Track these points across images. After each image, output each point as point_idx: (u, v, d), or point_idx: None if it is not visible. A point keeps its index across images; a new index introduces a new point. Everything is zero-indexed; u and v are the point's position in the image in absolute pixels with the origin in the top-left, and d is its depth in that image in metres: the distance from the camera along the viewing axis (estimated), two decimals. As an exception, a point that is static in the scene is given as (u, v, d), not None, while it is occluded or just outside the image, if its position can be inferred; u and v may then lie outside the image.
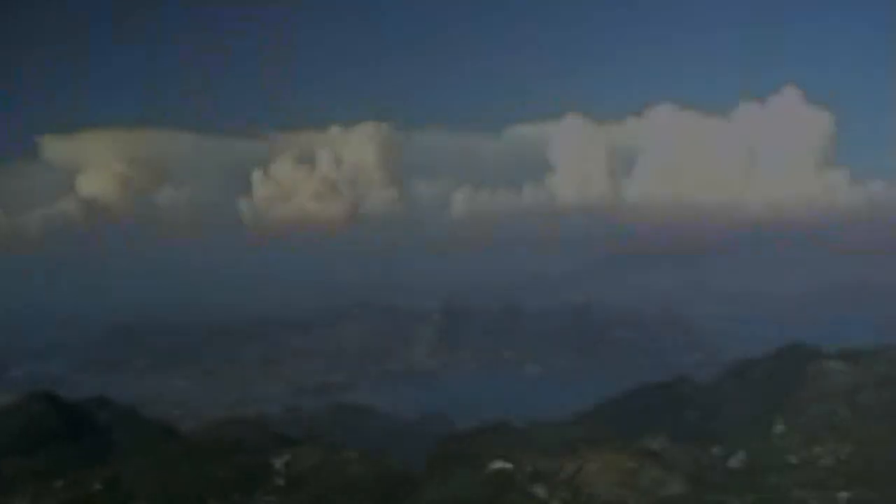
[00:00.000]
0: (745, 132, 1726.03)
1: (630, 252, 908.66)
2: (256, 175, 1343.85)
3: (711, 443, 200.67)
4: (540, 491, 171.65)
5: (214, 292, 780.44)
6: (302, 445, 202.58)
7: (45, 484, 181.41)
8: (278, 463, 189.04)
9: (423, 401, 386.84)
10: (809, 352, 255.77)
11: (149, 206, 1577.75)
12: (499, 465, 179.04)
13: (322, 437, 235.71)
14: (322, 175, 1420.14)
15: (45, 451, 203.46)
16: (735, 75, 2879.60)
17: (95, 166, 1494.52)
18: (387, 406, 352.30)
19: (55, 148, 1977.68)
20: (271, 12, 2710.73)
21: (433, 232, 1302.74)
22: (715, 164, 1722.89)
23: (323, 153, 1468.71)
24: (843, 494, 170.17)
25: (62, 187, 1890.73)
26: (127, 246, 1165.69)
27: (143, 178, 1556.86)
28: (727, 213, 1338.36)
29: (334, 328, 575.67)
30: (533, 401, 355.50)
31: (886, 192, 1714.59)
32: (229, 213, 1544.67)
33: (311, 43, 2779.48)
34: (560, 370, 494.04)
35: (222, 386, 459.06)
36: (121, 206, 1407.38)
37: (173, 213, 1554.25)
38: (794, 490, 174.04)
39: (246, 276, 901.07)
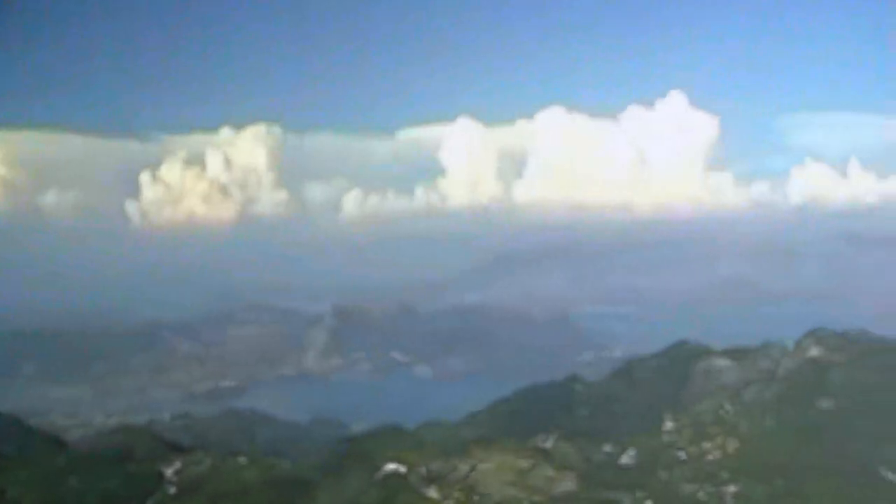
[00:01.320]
0: (633, 135, 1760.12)
1: (520, 253, 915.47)
2: (145, 177, 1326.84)
3: (602, 440, 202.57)
4: (433, 492, 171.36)
5: (102, 297, 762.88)
6: (193, 452, 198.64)
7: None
8: (169, 471, 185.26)
9: (316, 404, 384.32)
10: (697, 349, 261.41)
11: (33, 209, 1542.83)
12: (392, 467, 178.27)
13: (214, 443, 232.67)
14: (212, 177, 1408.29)
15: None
16: (623, 79, 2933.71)
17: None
18: (279, 410, 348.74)
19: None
20: (159, 13, 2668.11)
21: (325, 234, 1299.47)
22: (604, 166, 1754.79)
23: (213, 155, 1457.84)
24: (731, 488, 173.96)
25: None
26: (10, 250, 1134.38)
27: (26, 181, 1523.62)
28: (616, 213, 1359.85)
29: (225, 332, 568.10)
30: (425, 402, 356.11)
31: (769, 194, 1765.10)
32: (117, 216, 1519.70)
33: (201, 45, 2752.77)
34: (452, 371, 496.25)
35: (111, 393, 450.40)
36: (2, 209, 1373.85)
37: (59, 216, 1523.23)
38: (683, 485, 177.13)
39: (135, 281, 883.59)
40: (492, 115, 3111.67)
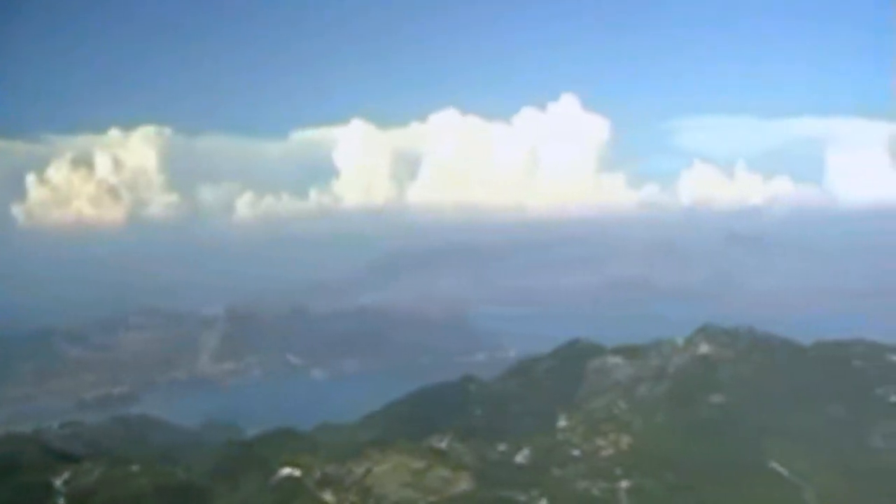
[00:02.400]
0: (526, 137, 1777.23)
1: (415, 254, 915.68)
2: (31, 179, 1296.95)
3: (498, 440, 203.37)
4: (329, 496, 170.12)
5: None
6: (83, 461, 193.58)
7: None
8: (58, 481, 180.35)
9: (210, 409, 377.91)
10: (589, 348, 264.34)
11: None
12: (287, 471, 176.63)
13: (105, 451, 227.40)
14: (100, 179, 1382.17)
15: None
16: (516, 82, 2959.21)
17: None
18: (172, 416, 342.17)
19: None
20: (46, 13, 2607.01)
21: (217, 237, 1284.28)
22: (497, 167, 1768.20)
23: (101, 157, 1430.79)
24: (624, 483, 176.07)
25: None
26: None
27: None
28: (509, 214, 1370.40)
29: (115, 337, 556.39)
30: (321, 405, 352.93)
31: (659, 195, 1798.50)
32: (2, 218, 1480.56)
33: (89, 45, 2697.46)
34: (347, 373, 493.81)
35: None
36: None
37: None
38: (577, 482, 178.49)
39: (20, 285, 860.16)
40: (385, 117, 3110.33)
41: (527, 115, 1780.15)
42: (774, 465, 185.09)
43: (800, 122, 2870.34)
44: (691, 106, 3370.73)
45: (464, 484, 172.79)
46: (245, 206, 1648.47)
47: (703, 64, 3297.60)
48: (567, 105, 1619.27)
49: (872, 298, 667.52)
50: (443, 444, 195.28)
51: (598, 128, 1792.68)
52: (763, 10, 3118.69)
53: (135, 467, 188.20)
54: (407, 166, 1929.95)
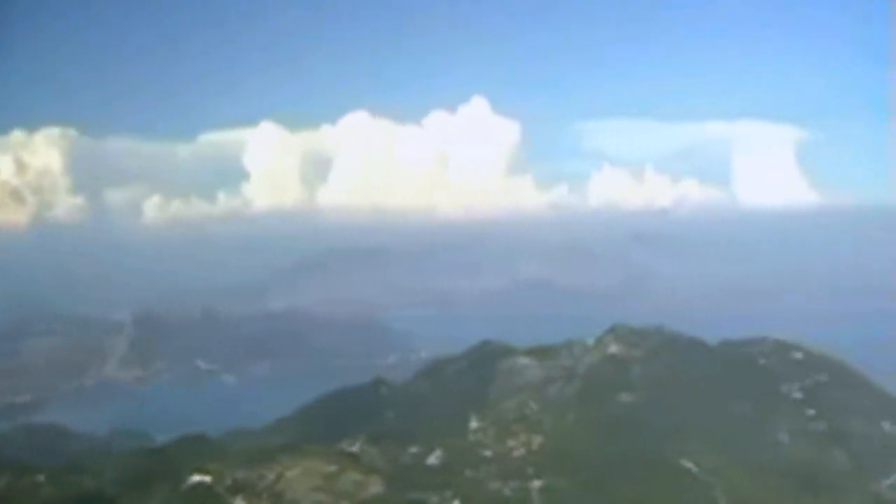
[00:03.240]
0: (436, 140, 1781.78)
1: (326, 257, 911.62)
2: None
3: (409, 442, 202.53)
4: (240, 502, 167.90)
5: None
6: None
7: None
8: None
9: (118, 416, 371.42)
10: (500, 349, 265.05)
11: None
12: (197, 478, 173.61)
13: (9, 461, 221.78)
14: (3, 181, 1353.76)
15: None
16: (427, 85, 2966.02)
17: None
18: (79, 424, 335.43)
19: None
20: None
21: (125, 240, 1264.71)
22: (407, 169, 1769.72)
23: (4, 159, 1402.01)
24: (536, 483, 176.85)
25: None
26: None
27: None
28: (420, 216, 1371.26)
29: (19, 343, 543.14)
30: (231, 410, 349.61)
31: (568, 197, 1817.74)
32: None
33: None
34: (258, 378, 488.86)
35: None
36: None
37: None
38: (489, 482, 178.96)
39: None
40: (295, 120, 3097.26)
41: (437, 117, 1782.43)
42: (684, 462, 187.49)
43: (707, 125, 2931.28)
44: (601, 109, 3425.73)
45: (375, 487, 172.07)
46: (153, 208, 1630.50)
47: (613, 68, 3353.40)
48: (477, 107, 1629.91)
49: (776, 297, 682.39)
50: (354, 448, 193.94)
51: (507, 130, 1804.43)
52: (671, 16, 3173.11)
53: (41, 477, 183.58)
54: (317, 169, 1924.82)
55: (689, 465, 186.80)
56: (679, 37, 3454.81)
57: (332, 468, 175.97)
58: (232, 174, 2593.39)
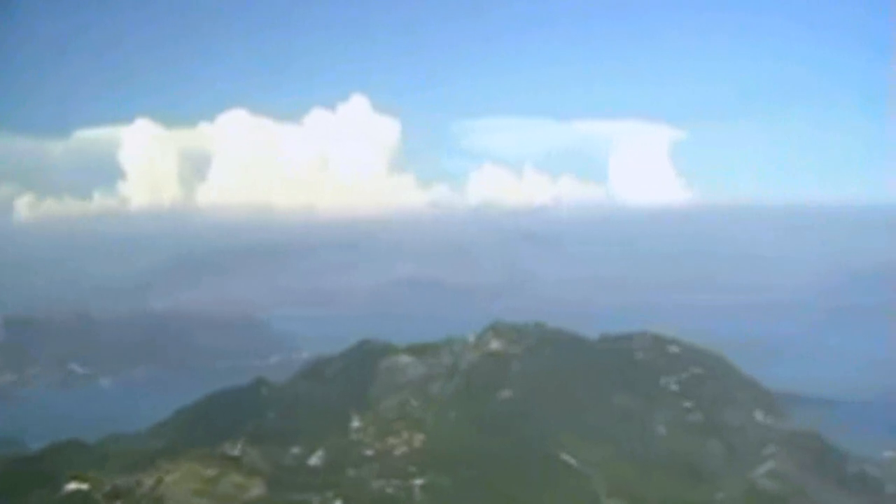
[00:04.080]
0: (316, 138, 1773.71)
1: (205, 256, 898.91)
2: None
3: (291, 443, 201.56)
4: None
5: None
6: None
7: None
8: None
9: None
10: (381, 347, 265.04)
11: None
12: (74, 485, 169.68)
13: None
14: None
15: None
16: (306, 83, 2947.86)
17: None
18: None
19: None
20: None
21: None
22: (288, 168, 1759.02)
23: None
24: (418, 481, 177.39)
25: None
26: None
27: None
28: (301, 215, 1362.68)
29: None
30: (109, 415, 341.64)
31: (449, 195, 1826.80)
32: None
33: None
34: (136, 381, 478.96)
35: None
36: None
37: None
38: (372, 481, 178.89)
39: None
40: (172, 118, 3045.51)
41: (317, 115, 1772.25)
42: (565, 456, 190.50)
43: (585, 124, 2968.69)
44: (481, 108, 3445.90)
45: (257, 490, 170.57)
46: (25, 207, 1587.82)
47: (493, 66, 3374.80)
48: (357, 106, 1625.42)
49: (654, 292, 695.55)
50: (235, 450, 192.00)
51: (387, 129, 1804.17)
52: (551, 14, 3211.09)
53: None
54: (196, 167, 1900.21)
55: (569, 458, 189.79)
56: (559, 36, 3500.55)
57: (213, 472, 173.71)
58: (107, 172, 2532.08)
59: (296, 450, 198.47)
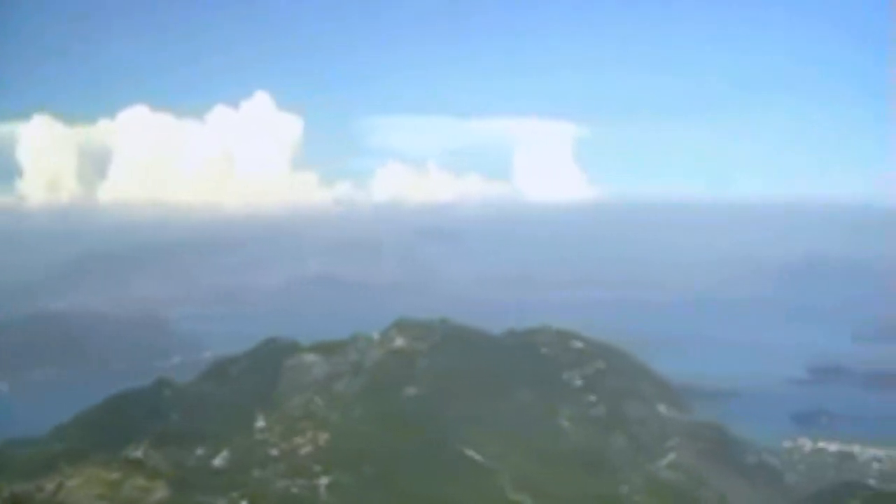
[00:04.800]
0: (219, 135, 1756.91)
1: (107, 254, 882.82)
2: None
3: (195, 444, 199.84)
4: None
5: None
6: None
7: None
8: None
9: None
10: (285, 346, 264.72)
11: None
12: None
13: None
14: None
15: None
16: (208, 80, 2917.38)
17: None
18: None
19: None
20: None
21: None
22: (191, 165, 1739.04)
23: None
24: (324, 480, 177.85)
25: None
26: None
27: None
28: (204, 212, 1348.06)
29: None
30: (5, 420, 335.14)
31: (353, 193, 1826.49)
32: None
33: None
34: (34, 384, 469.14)
35: None
36: None
37: None
38: (277, 481, 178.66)
39: None
40: (71, 114, 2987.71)
41: (220, 112, 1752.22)
42: (470, 452, 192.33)
43: (489, 121, 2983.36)
44: (385, 105, 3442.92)
45: (161, 492, 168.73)
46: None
47: (397, 63, 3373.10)
48: (260, 103, 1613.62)
49: (557, 289, 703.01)
50: (138, 453, 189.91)
51: (291, 126, 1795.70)
52: (455, 12, 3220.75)
53: None
54: (96, 164, 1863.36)
55: (474, 454, 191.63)
56: (463, 34, 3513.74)
57: (116, 475, 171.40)
58: (4, 169, 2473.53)
59: (200, 451, 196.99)
